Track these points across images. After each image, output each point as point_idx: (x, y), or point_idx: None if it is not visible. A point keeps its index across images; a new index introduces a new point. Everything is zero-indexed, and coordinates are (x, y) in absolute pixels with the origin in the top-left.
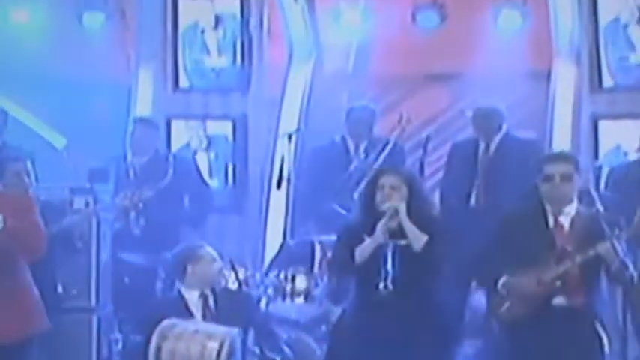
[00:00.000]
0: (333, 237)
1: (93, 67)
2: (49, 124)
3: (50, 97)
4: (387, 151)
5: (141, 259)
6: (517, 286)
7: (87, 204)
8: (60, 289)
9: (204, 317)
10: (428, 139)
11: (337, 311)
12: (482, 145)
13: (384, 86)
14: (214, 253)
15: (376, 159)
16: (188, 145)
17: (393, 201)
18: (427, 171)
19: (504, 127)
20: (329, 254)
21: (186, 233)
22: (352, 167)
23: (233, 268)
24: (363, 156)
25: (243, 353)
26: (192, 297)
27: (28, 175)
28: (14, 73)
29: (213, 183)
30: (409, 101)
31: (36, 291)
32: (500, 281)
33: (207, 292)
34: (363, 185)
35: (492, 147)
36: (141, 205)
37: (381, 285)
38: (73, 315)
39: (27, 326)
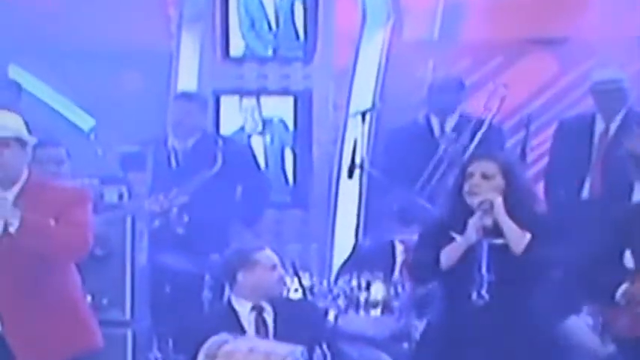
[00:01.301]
0: (416, 236)
1: (126, 33)
2: (74, 102)
3: (75, 69)
4: (480, 132)
5: (184, 263)
6: None
7: (120, 196)
8: (87, 298)
9: (257, 333)
10: (530, 117)
11: (421, 326)
12: (600, 126)
13: (476, 55)
14: (274, 258)
15: (467, 142)
16: (242, 127)
17: (483, 191)
18: (530, 156)
19: (628, 104)
20: (411, 257)
21: (239, 232)
22: (440, 151)
23: (296, 274)
24: (451, 138)
25: None
26: (245, 309)
27: (59, 163)
28: (32, 42)
29: (271, 172)
30: (507, 72)
31: (85, 301)
32: (620, 290)
33: (263, 303)
34: (451, 173)
35: (613, 128)
36: (175, 209)
37: (474, 294)
38: (104, 330)
39: (70, 346)
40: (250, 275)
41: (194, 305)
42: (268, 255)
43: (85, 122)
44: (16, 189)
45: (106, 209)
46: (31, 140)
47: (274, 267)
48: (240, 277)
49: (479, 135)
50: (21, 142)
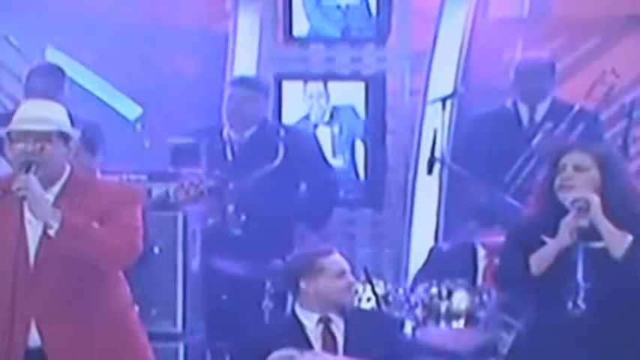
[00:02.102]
0: (502, 238)
1: (177, 12)
2: (118, 88)
3: (119, 51)
4: (575, 120)
5: (242, 268)
6: None
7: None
8: (136, 309)
9: (324, 348)
10: (634, 104)
11: (510, 339)
12: None
13: (570, 34)
14: (342, 263)
15: (561, 131)
16: (307, 116)
17: (576, 185)
18: (633, 149)
19: None
20: (497, 262)
21: (304, 234)
22: (530, 143)
23: (368, 281)
24: (541, 127)
25: None
26: (311, 321)
27: (93, 153)
28: (71, 22)
29: (339, 166)
30: (607, 53)
31: (133, 312)
32: None
33: (331, 315)
34: (542, 167)
35: None
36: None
37: (569, 303)
38: (153, 344)
39: None
40: (315, 283)
41: (253, 316)
42: (336, 260)
43: (131, 111)
44: (56, 188)
45: (155, 208)
46: (75, 134)
47: (342, 274)
48: (303, 285)
49: (573, 123)
50: (64, 137)
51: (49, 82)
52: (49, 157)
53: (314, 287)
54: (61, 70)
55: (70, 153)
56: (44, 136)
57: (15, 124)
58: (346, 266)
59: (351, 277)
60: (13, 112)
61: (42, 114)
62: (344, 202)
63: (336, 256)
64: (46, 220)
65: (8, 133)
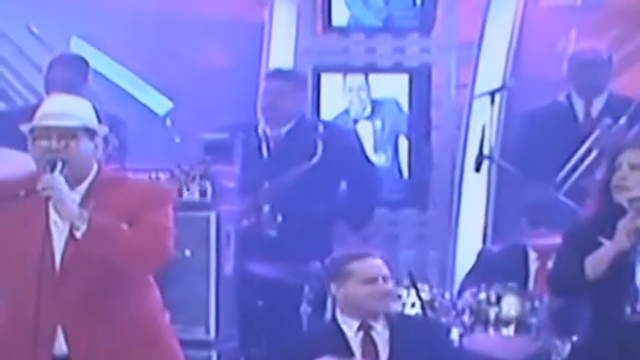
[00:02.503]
0: (556, 240)
1: (209, 0)
2: (147, 81)
3: (147, 42)
4: (635, 116)
5: (278, 272)
6: None
7: (202, 193)
8: (166, 315)
9: (364, 356)
10: None
11: (564, 347)
12: None
13: (628, 23)
14: (374, 268)
15: (620, 127)
16: (346, 111)
17: (632, 185)
18: None
19: None
20: (550, 265)
21: (343, 235)
22: (591, 139)
23: (413, 285)
24: (599, 122)
25: None
26: (351, 328)
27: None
28: (100, 12)
29: (381, 164)
30: None
31: (165, 319)
32: None
33: (372, 321)
34: (598, 165)
35: None
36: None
37: (628, 309)
38: (185, 351)
39: None
40: (343, 288)
41: (291, 322)
42: (367, 265)
43: (161, 105)
44: (83, 187)
45: (186, 208)
46: (102, 130)
47: (372, 280)
48: (333, 289)
49: (634, 120)
50: (90, 133)
51: (71, 73)
52: (75, 154)
53: (343, 292)
54: (84, 60)
55: (97, 150)
56: (69, 133)
57: (38, 120)
58: (380, 272)
59: (382, 284)
60: (34, 106)
61: (66, 109)
62: (386, 202)
63: (369, 261)
64: (72, 221)
65: (31, 130)
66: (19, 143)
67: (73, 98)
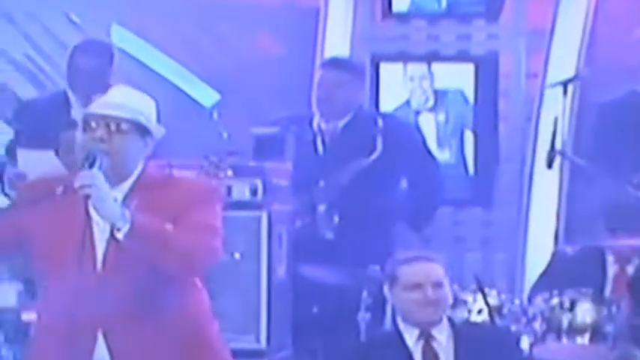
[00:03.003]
0: (637, 243)
1: None
2: (192, 71)
3: (194, 29)
4: None
5: (335, 276)
6: None
7: (252, 191)
8: (215, 322)
9: None
10: None
11: None
12: None
13: None
14: (433, 272)
15: None
16: (407, 102)
17: None
18: None
19: None
20: (630, 269)
21: (405, 236)
22: None
23: (480, 290)
24: None
25: None
26: (411, 336)
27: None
28: None
29: (445, 159)
30: None
31: (214, 326)
32: None
33: (433, 329)
34: None
35: None
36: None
37: None
38: None
39: None
40: (390, 293)
41: (348, 330)
42: (415, 271)
43: (207, 97)
44: (126, 185)
45: (235, 208)
46: (158, 131)
47: (418, 286)
48: (406, 292)
49: None
50: (142, 130)
51: (94, 61)
52: (119, 148)
53: (391, 298)
54: (109, 47)
55: (146, 149)
56: (115, 123)
57: (91, 108)
58: (429, 278)
59: (428, 291)
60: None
61: (124, 101)
62: (450, 201)
63: (417, 266)
64: (112, 221)
65: (83, 120)
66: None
67: (136, 92)
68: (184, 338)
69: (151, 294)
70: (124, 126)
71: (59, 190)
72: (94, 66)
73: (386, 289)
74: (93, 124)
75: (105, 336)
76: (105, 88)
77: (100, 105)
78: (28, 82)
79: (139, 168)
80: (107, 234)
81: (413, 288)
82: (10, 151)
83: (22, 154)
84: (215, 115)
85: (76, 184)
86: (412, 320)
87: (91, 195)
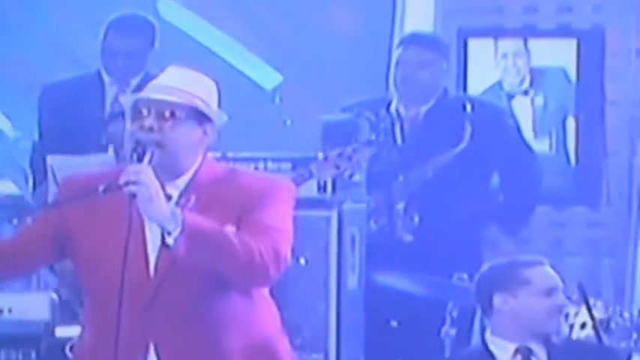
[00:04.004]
0: None
1: None
2: (251, 49)
3: (253, 2)
4: None
5: (415, 285)
6: None
7: (321, 187)
8: (285, 337)
9: None
10: None
11: None
12: None
13: None
14: (555, 279)
15: None
16: (499, 83)
17: None
18: None
19: None
20: None
21: (496, 240)
22: None
23: (584, 301)
24: None
25: None
26: (505, 352)
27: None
28: None
29: (544, 150)
30: None
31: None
32: None
33: (533, 344)
34: None
35: None
36: (400, 205)
37: None
38: None
39: None
40: (514, 300)
41: (430, 346)
42: (546, 273)
43: (268, 78)
44: (182, 181)
45: (301, 206)
46: (219, 117)
47: (552, 291)
48: (498, 301)
49: None
50: (199, 117)
51: (131, 39)
52: (173, 138)
53: (512, 305)
54: (148, 22)
55: (206, 140)
56: (169, 110)
57: (137, 94)
58: (558, 283)
59: (562, 298)
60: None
61: (178, 84)
62: (549, 198)
63: (547, 269)
64: (161, 223)
65: (133, 107)
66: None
67: (193, 73)
68: (248, 355)
69: (208, 305)
70: (178, 112)
71: (102, 188)
72: (132, 46)
73: (500, 296)
74: (143, 112)
75: (156, 349)
76: (143, 70)
77: (151, 89)
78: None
79: (198, 161)
80: (158, 242)
81: (548, 293)
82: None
83: (54, 161)
84: (277, 98)
85: (122, 181)
86: (535, 331)
87: (137, 193)
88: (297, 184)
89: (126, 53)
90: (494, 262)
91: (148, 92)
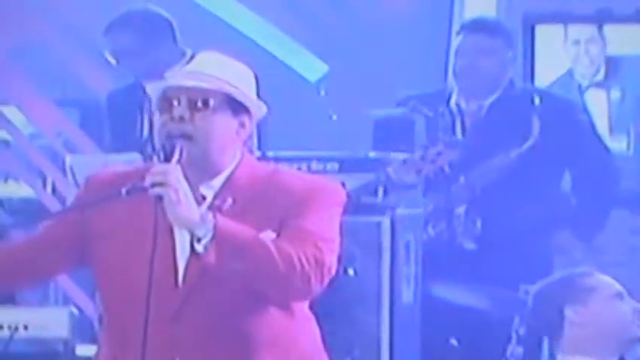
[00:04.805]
0: None
1: None
2: (295, 37)
3: None
4: None
5: (477, 299)
6: None
7: (371, 191)
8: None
9: None
10: None
11: None
12: None
13: None
14: (614, 282)
15: None
16: (570, 73)
17: None
18: None
19: None
20: None
21: (569, 249)
22: None
23: None
24: None
25: None
26: None
27: None
28: None
29: (620, 149)
30: None
31: None
32: None
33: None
34: None
35: None
36: (461, 209)
37: None
38: None
39: None
40: (585, 309)
41: None
42: (604, 279)
43: (312, 69)
44: (217, 182)
45: (349, 211)
46: (257, 108)
47: (620, 295)
48: (570, 314)
49: None
50: (235, 107)
51: (134, 39)
52: (206, 130)
53: (586, 315)
54: (159, 19)
55: (244, 133)
56: (201, 98)
57: (164, 82)
58: (622, 289)
59: (634, 302)
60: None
61: (210, 70)
62: (627, 202)
63: (604, 276)
64: (189, 229)
65: (161, 99)
66: None
67: (229, 60)
68: None
69: (242, 320)
70: (212, 100)
71: (124, 190)
72: (134, 46)
73: (571, 308)
74: (173, 102)
75: None
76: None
77: (181, 75)
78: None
79: (235, 160)
80: (187, 250)
81: (618, 296)
82: None
83: (74, 160)
84: (322, 91)
85: (147, 182)
86: (619, 338)
87: (163, 195)
88: (371, 190)
89: (127, 55)
90: (548, 280)
91: (178, 79)
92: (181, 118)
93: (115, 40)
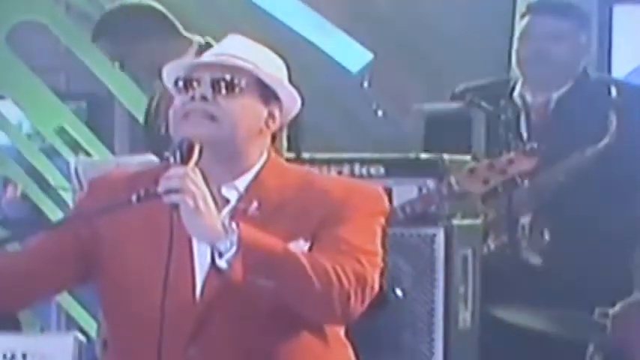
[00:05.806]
0: None
1: None
2: (336, 23)
3: None
4: None
5: (545, 321)
6: None
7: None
8: None
9: None
10: None
11: None
12: None
13: None
14: None
15: None
16: None
17: None
18: None
19: None
20: None
21: None
22: None
23: None
24: None
25: None
26: None
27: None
28: None
29: None
30: None
31: None
32: None
33: None
34: None
35: None
36: (516, 183)
37: None
38: None
39: None
40: None
41: None
42: None
43: (355, 58)
44: (242, 182)
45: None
46: (289, 97)
47: None
48: None
49: None
50: (266, 94)
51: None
52: (230, 110)
53: None
54: (160, 13)
55: (273, 125)
56: (228, 76)
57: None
58: None
59: None
60: None
61: (234, 51)
62: None
63: None
64: (210, 242)
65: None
66: None
67: (259, 45)
68: None
69: (268, 343)
70: (237, 80)
71: (134, 197)
72: (120, 46)
73: None
74: (194, 84)
75: None
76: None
77: (206, 56)
78: None
79: (263, 159)
80: (206, 264)
81: None
82: None
83: (80, 164)
84: (365, 83)
85: (161, 188)
86: None
87: (179, 204)
88: (429, 204)
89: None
90: (629, 301)
91: (199, 58)
92: (203, 98)
93: (105, 48)
